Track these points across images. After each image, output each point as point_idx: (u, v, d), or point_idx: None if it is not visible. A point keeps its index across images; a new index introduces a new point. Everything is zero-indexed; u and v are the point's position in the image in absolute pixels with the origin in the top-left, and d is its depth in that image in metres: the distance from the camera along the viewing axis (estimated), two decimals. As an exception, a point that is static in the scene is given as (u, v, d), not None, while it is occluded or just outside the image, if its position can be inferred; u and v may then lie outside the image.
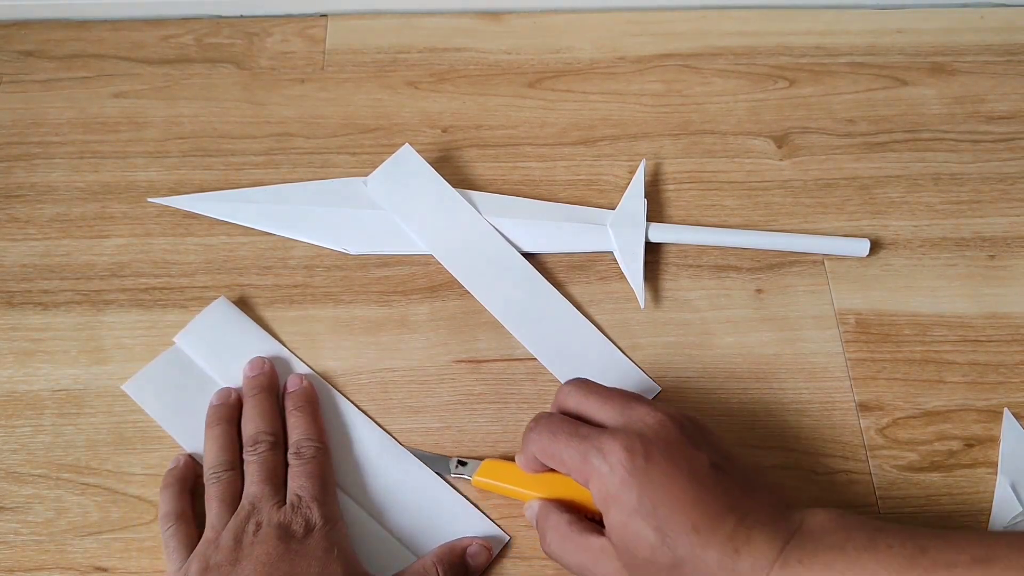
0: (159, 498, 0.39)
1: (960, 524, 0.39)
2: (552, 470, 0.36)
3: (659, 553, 0.31)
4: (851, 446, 0.41)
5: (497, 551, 0.38)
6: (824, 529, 0.31)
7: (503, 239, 0.46)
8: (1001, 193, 0.48)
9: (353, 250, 0.46)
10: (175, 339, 0.43)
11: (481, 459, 0.40)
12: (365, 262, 0.46)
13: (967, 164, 0.49)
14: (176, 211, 0.47)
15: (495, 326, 0.44)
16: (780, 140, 0.50)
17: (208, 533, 0.37)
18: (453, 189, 0.47)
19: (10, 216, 0.47)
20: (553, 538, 0.35)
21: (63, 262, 0.46)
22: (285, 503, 0.37)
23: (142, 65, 0.52)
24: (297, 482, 0.38)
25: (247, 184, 0.48)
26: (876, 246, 0.46)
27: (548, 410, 0.38)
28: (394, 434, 0.41)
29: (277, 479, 0.38)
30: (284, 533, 0.35)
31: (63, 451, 0.41)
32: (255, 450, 0.39)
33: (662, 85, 0.52)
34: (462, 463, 0.40)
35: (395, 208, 0.47)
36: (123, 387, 0.42)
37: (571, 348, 0.43)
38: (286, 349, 0.43)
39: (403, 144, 0.48)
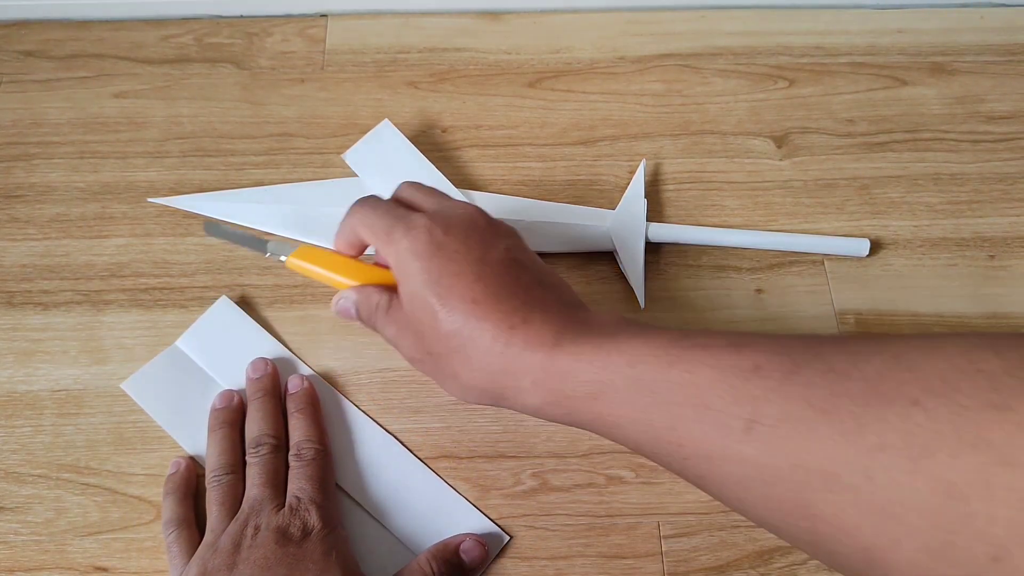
0: (162, 504, 0.39)
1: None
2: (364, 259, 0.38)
3: (439, 321, 0.32)
4: (851, 446, 0.41)
5: (497, 551, 0.38)
6: (602, 322, 0.32)
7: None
8: (1001, 193, 0.48)
9: (353, 250, 0.46)
10: (177, 343, 0.43)
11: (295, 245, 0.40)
12: (365, 262, 0.46)
13: (967, 164, 0.49)
14: (176, 211, 0.47)
15: (495, 326, 0.44)
16: (780, 140, 0.50)
17: (208, 537, 0.37)
18: (431, 164, 0.47)
19: (10, 216, 0.47)
20: (368, 314, 0.36)
21: (63, 262, 0.46)
22: (284, 506, 0.37)
23: (142, 65, 0.52)
24: (296, 484, 0.38)
25: (247, 184, 0.48)
26: (876, 246, 0.46)
27: None
28: (395, 434, 0.41)
29: (278, 482, 0.38)
30: (282, 537, 0.35)
31: (63, 451, 0.41)
32: (257, 452, 0.39)
33: (662, 85, 0.52)
34: (276, 248, 0.40)
35: (372, 181, 0.47)
36: (122, 385, 0.42)
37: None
38: (288, 350, 0.43)
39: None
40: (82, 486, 0.40)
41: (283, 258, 0.39)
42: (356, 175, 0.48)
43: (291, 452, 0.39)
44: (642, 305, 0.44)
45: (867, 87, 0.52)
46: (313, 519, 0.36)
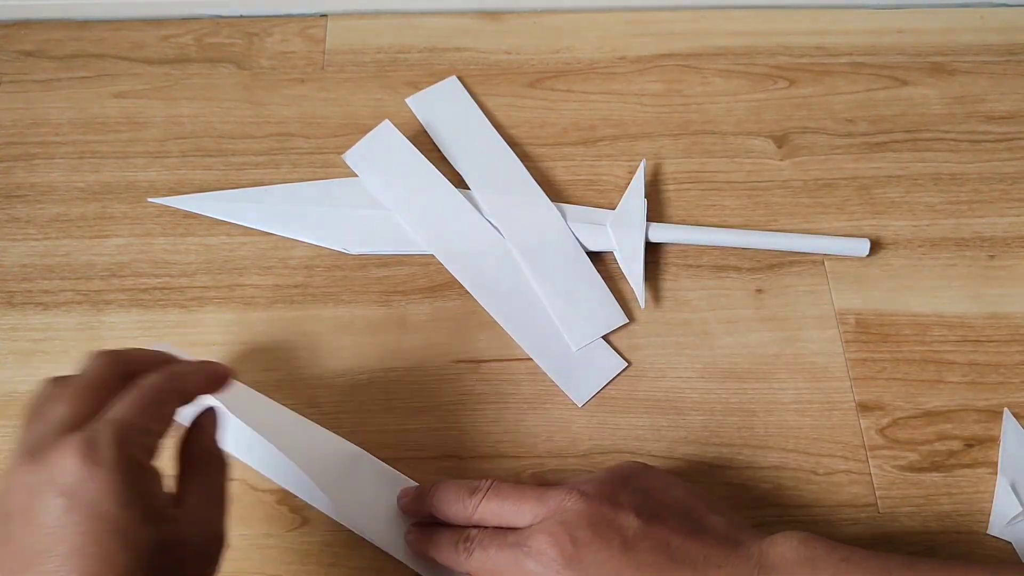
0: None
1: (960, 524, 0.39)
2: None
3: None
4: (851, 446, 0.41)
5: None
6: (787, 562, 0.31)
7: (480, 215, 0.47)
8: (1001, 193, 0.48)
9: (353, 250, 0.46)
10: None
11: None
12: (365, 262, 0.46)
13: (967, 164, 0.49)
14: (176, 211, 0.47)
15: (495, 326, 0.44)
16: (780, 140, 0.50)
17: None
18: (431, 164, 0.47)
19: (10, 216, 0.47)
20: None
21: (63, 262, 0.46)
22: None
23: (142, 65, 0.52)
24: (110, 406, 0.30)
25: (247, 184, 0.48)
26: (876, 246, 0.46)
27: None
28: (395, 434, 0.41)
29: (95, 399, 0.31)
30: (63, 482, 0.27)
31: (63, 451, 0.41)
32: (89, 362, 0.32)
33: (662, 85, 0.52)
34: None
35: (372, 182, 0.47)
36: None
37: (561, 341, 0.43)
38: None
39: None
40: (82, 486, 0.40)
41: None
42: (356, 175, 0.48)
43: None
44: (642, 305, 0.44)
45: (867, 87, 0.52)
46: (104, 439, 0.28)
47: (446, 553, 0.35)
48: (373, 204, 0.47)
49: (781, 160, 0.49)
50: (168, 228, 0.47)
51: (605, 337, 0.44)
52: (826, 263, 0.46)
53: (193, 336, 0.44)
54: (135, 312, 0.44)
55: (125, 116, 0.51)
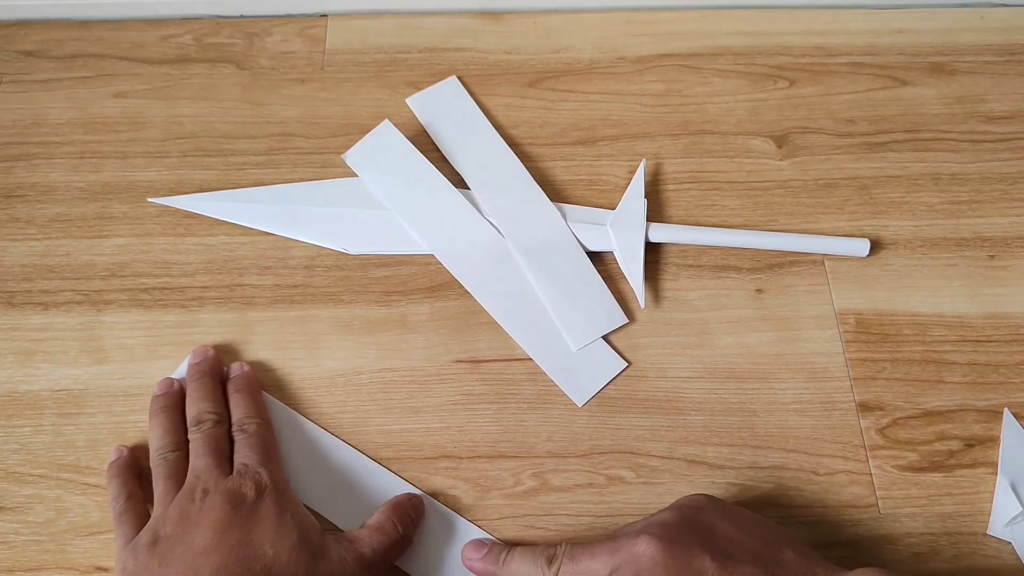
0: (108, 487, 0.39)
1: (960, 524, 0.39)
2: None
3: None
4: (851, 446, 0.41)
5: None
6: None
7: (480, 215, 0.47)
8: (1001, 193, 0.48)
9: (353, 250, 0.46)
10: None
11: None
12: (365, 262, 0.46)
13: (967, 164, 0.49)
14: (176, 211, 0.47)
15: (495, 326, 0.44)
16: (780, 140, 0.50)
17: (157, 510, 0.36)
18: (431, 164, 0.47)
19: (10, 216, 0.47)
20: None
21: (63, 262, 0.46)
22: (232, 472, 0.37)
23: (142, 65, 0.52)
24: (242, 454, 0.38)
25: (247, 184, 0.48)
26: (876, 246, 0.46)
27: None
28: (394, 434, 0.41)
29: (222, 452, 0.38)
30: (234, 498, 0.35)
31: (63, 451, 0.41)
32: (199, 428, 0.39)
33: (662, 85, 0.52)
34: None
35: (372, 182, 0.47)
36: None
37: (561, 339, 0.43)
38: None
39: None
40: (82, 486, 0.40)
41: None
42: (356, 175, 0.48)
43: (234, 428, 0.39)
44: (642, 305, 0.44)
45: (867, 87, 0.52)
46: (264, 479, 0.36)
47: None
48: (373, 204, 0.47)
49: (781, 160, 0.49)
50: (168, 228, 0.47)
51: (605, 337, 0.44)
52: (826, 263, 0.46)
53: (193, 336, 0.44)
54: (135, 312, 0.44)
55: (125, 116, 0.51)
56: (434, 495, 0.40)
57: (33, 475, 0.40)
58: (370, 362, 0.43)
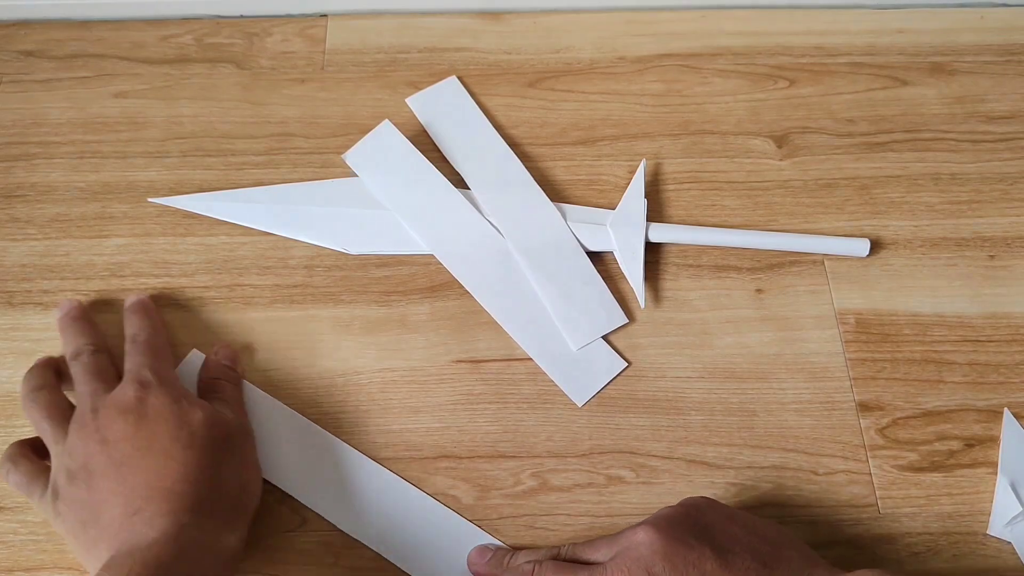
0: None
1: (960, 524, 0.39)
2: None
3: None
4: (851, 446, 0.41)
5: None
6: None
7: (480, 215, 0.47)
8: (1001, 193, 0.48)
9: (353, 250, 0.46)
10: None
11: None
12: (365, 262, 0.46)
13: (967, 164, 0.49)
14: (176, 211, 0.47)
15: (495, 326, 0.44)
16: (780, 140, 0.50)
17: (54, 449, 0.36)
18: (431, 164, 0.47)
19: (10, 216, 0.47)
20: None
21: (63, 262, 0.46)
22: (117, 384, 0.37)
23: (142, 65, 0.52)
24: (129, 362, 0.38)
25: (247, 184, 0.48)
26: (876, 246, 0.46)
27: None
28: (394, 434, 0.41)
29: (106, 375, 0.38)
30: (125, 406, 0.35)
31: (63, 451, 0.41)
32: (78, 360, 0.38)
33: (662, 85, 0.52)
34: None
35: (372, 182, 0.47)
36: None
37: (561, 341, 0.43)
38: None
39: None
40: (82, 486, 0.40)
41: None
42: (356, 175, 0.48)
43: (126, 344, 0.39)
44: (642, 305, 0.44)
45: (867, 87, 0.52)
46: (147, 375, 0.36)
47: None
48: (373, 204, 0.47)
49: (781, 160, 0.49)
50: (168, 228, 0.47)
51: (605, 337, 0.44)
52: (826, 263, 0.46)
53: (193, 336, 0.44)
54: (135, 312, 0.44)
55: (125, 116, 0.51)
56: (434, 495, 0.40)
57: (33, 475, 0.40)
58: (370, 362, 0.43)
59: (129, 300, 0.43)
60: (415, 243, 0.46)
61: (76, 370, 0.38)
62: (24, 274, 0.45)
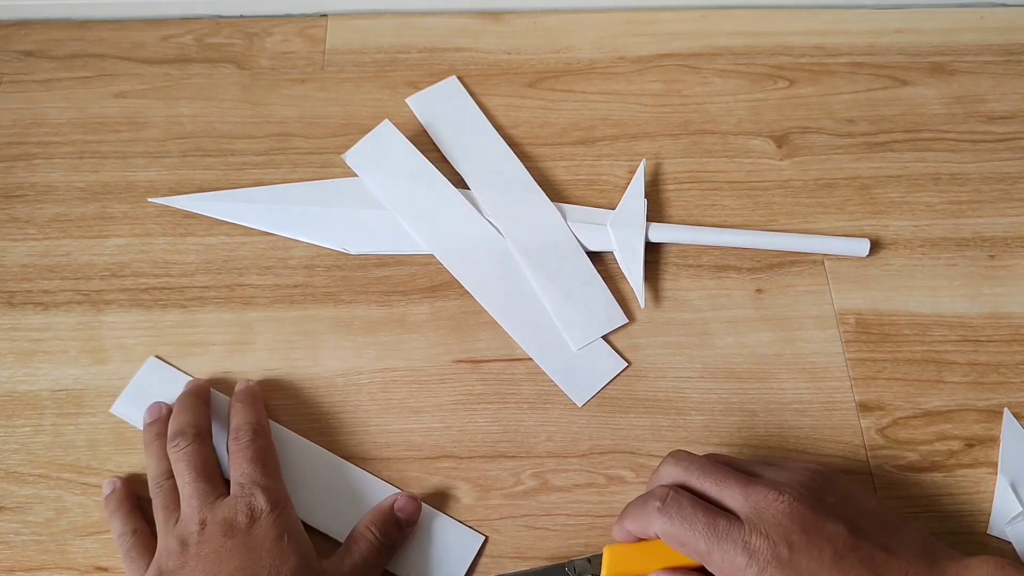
0: (110, 524, 0.38)
1: (960, 524, 0.39)
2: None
3: None
4: (851, 446, 0.41)
5: (474, 551, 0.38)
6: None
7: (480, 215, 0.47)
8: (1001, 193, 0.48)
9: (353, 250, 0.46)
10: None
11: (594, 554, 0.36)
12: (365, 262, 0.46)
13: (967, 164, 0.49)
14: (176, 211, 0.47)
15: (495, 326, 0.44)
16: (780, 140, 0.50)
17: (160, 541, 0.36)
18: (431, 164, 0.47)
19: (10, 216, 0.47)
20: None
21: (63, 262, 0.46)
22: (227, 496, 0.36)
23: (142, 65, 0.52)
24: (239, 469, 0.37)
25: (247, 184, 0.48)
26: (876, 246, 0.46)
27: (656, 481, 0.36)
28: (394, 434, 0.41)
29: (209, 471, 0.37)
30: (229, 527, 0.35)
31: (63, 451, 0.41)
32: (177, 446, 0.38)
33: (662, 85, 0.52)
34: (581, 565, 0.36)
35: (372, 182, 0.47)
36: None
37: (560, 340, 0.43)
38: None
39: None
40: (82, 486, 0.40)
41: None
42: (356, 175, 0.48)
43: (229, 438, 0.39)
44: (642, 305, 0.44)
45: (867, 87, 0.52)
46: (260, 501, 0.36)
47: (636, 510, 0.34)
48: (373, 204, 0.47)
49: (781, 160, 0.49)
50: (168, 228, 0.47)
51: (605, 337, 0.44)
52: (826, 263, 0.46)
53: (193, 336, 0.44)
54: (135, 312, 0.44)
55: (125, 116, 0.51)
56: (434, 495, 0.40)
57: (33, 475, 0.40)
58: (370, 362, 0.43)
59: (239, 386, 0.41)
60: (415, 243, 0.46)
61: (176, 457, 0.38)
62: (24, 274, 0.45)
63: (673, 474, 0.35)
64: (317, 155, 0.49)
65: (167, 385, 0.42)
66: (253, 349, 0.43)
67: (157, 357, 0.43)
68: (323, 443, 0.41)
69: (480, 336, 0.44)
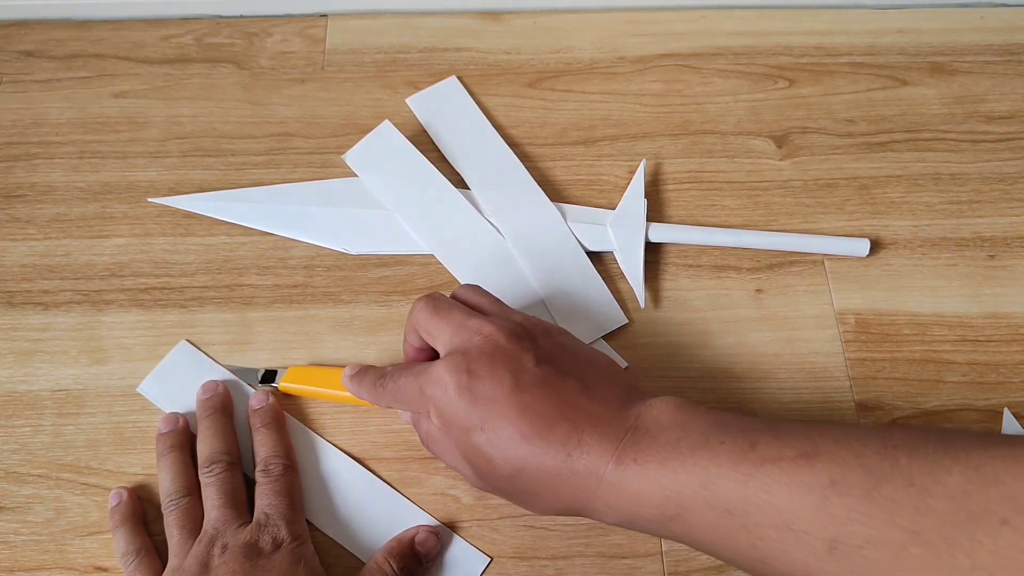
0: (113, 537, 0.38)
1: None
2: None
3: (497, 466, 0.32)
4: (851, 446, 0.41)
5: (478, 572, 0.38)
6: (660, 425, 0.32)
7: (480, 215, 0.47)
8: (1001, 193, 0.48)
9: (353, 250, 0.46)
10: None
11: (285, 367, 0.42)
12: (365, 262, 0.46)
13: (967, 164, 0.49)
14: (176, 211, 0.47)
15: (495, 326, 0.44)
16: (780, 140, 0.50)
17: (172, 561, 0.36)
18: (431, 164, 0.47)
19: (10, 216, 0.47)
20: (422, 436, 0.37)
21: (63, 262, 0.46)
22: (250, 523, 0.37)
23: (142, 65, 0.52)
24: (266, 500, 0.37)
25: (247, 184, 0.48)
26: (876, 246, 0.46)
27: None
28: (394, 434, 0.41)
29: (238, 499, 0.38)
30: (250, 551, 0.35)
31: (63, 451, 0.41)
32: (211, 472, 0.38)
33: (662, 85, 0.52)
34: (267, 375, 0.42)
35: (372, 182, 0.47)
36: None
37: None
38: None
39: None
40: (82, 486, 0.40)
41: (275, 385, 0.41)
42: (356, 175, 0.48)
43: (258, 468, 0.39)
44: (642, 305, 0.44)
45: (867, 87, 0.52)
46: (283, 533, 0.36)
47: (367, 389, 0.37)
48: (373, 204, 0.47)
49: (781, 160, 0.49)
50: (168, 228, 0.47)
51: (605, 337, 0.44)
52: (826, 263, 0.46)
53: (193, 336, 0.44)
54: (135, 312, 0.44)
55: (125, 116, 0.51)
56: (434, 495, 0.40)
57: (33, 475, 0.40)
58: (369, 362, 0.43)
59: (258, 403, 0.41)
60: (415, 243, 0.46)
61: (209, 481, 0.38)
62: (24, 274, 0.45)
63: (413, 320, 0.37)
64: (317, 155, 0.49)
65: (196, 370, 0.42)
66: (253, 349, 0.43)
67: (188, 341, 0.43)
68: (321, 443, 0.41)
69: (480, 336, 0.44)
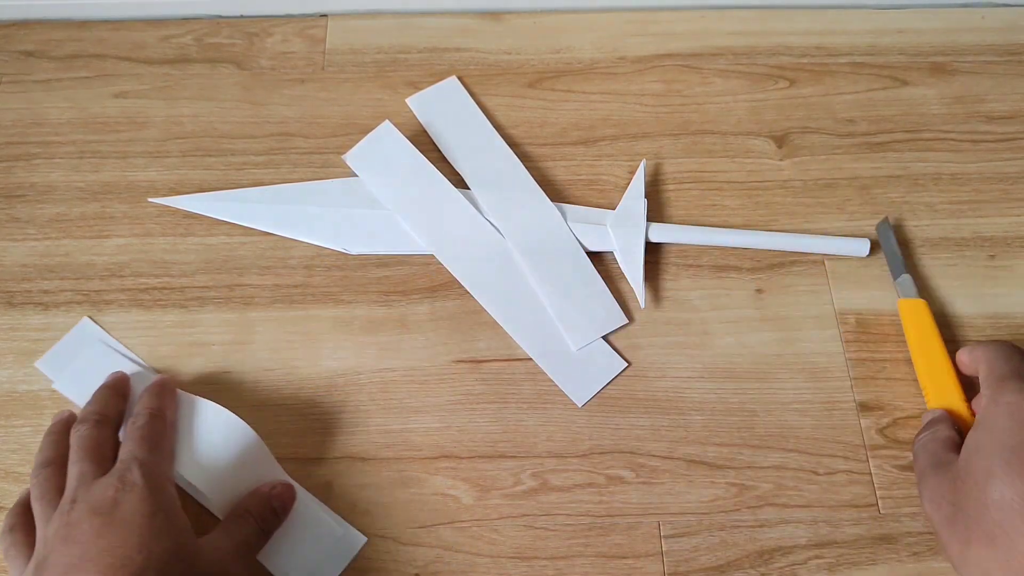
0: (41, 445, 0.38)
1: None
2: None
3: (990, 490, 0.33)
4: (851, 446, 0.41)
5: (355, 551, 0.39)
6: None
7: (480, 215, 0.47)
8: (1001, 193, 0.48)
9: (353, 250, 0.46)
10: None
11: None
12: (365, 262, 0.46)
13: (967, 164, 0.49)
14: (176, 211, 0.47)
15: (495, 326, 0.44)
16: (780, 140, 0.50)
17: (39, 533, 0.34)
18: (431, 164, 0.47)
19: (10, 216, 0.47)
20: (927, 441, 0.38)
21: (63, 262, 0.46)
22: (107, 473, 0.35)
23: (142, 65, 0.52)
24: (125, 449, 0.36)
25: (247, 184, 0.48)
26: (876, 246, 0.46)
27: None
28: (394, 434, 0.41)
29: (100, 454, 0.36)
30: (98, 503, 0.33)
31: (63, 451, 0.41)
32: (78, 429, 0.37)
33: (662, 85, 0.52)
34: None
35: (372, 182, 0.47)
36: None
37: (559, 336, 0.43)
38: (140, 365, 0.42)
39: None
40: (82, 486, 0.40)
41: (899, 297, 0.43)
42: (356, 175, 0.48)
43: (127, 424, 0.38)
44: (642, 305, 0.44)
45: (867, 87, 0.52)
46: (134, 475, 0.34)
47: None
48: (373, 204, 0.47)
49: (781, 160, 0.49)
50: (168, 228, 0.47)
51: (605, 337, 0.44)
52: (826, 263, 0.46)
53: (193, 336, 0.44)
54: (135, 312, 0.44)
55: (125, 116, 0.51)
56: (434, 495, 0.40)
57: (33, 475, 0.40)
58: (370, 362, 0.43)
59: (155, 379, 0.40)
60: (415, 243, 0.46)
61: (72, 441, 0.37)
62: (24, 274, 0.45)
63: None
64: (317, 155, 0.49)
65: (95, 349, 0.42)
66: (253, 349, 0.43)
67: (90, 318, 0.43)
68: (321, 443, 0.41)
69: (480, 336, 0.44)
